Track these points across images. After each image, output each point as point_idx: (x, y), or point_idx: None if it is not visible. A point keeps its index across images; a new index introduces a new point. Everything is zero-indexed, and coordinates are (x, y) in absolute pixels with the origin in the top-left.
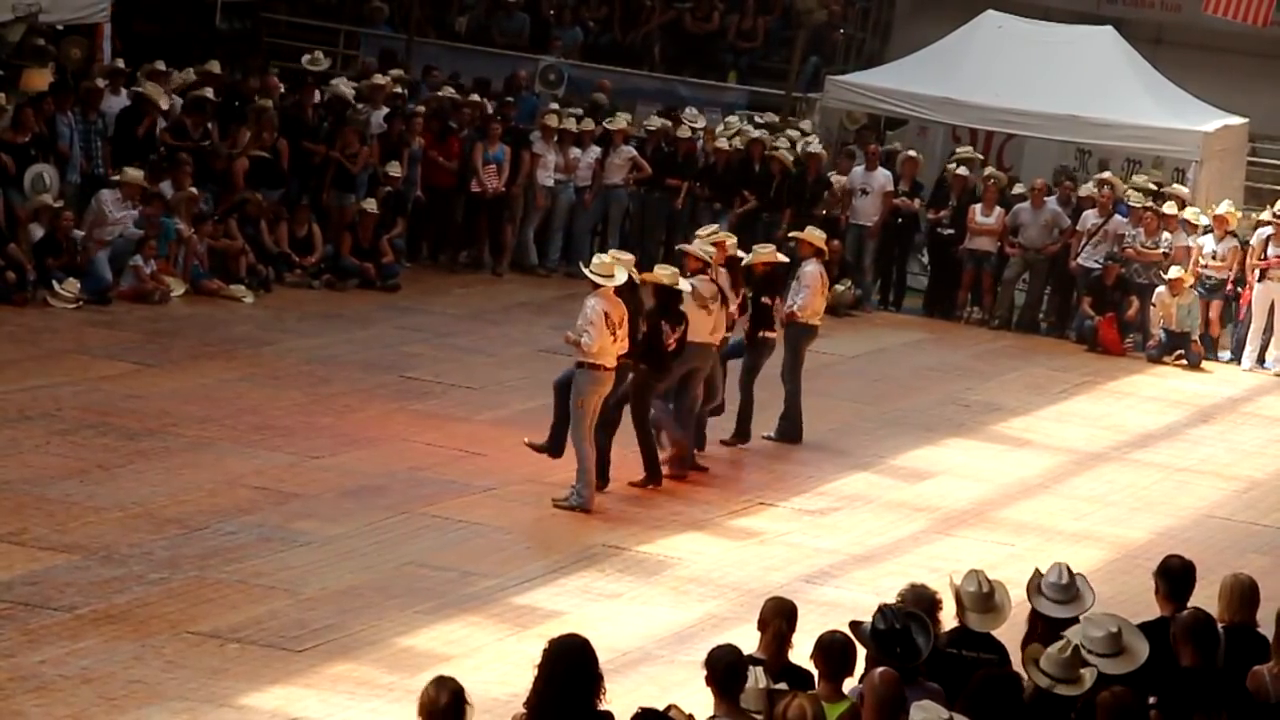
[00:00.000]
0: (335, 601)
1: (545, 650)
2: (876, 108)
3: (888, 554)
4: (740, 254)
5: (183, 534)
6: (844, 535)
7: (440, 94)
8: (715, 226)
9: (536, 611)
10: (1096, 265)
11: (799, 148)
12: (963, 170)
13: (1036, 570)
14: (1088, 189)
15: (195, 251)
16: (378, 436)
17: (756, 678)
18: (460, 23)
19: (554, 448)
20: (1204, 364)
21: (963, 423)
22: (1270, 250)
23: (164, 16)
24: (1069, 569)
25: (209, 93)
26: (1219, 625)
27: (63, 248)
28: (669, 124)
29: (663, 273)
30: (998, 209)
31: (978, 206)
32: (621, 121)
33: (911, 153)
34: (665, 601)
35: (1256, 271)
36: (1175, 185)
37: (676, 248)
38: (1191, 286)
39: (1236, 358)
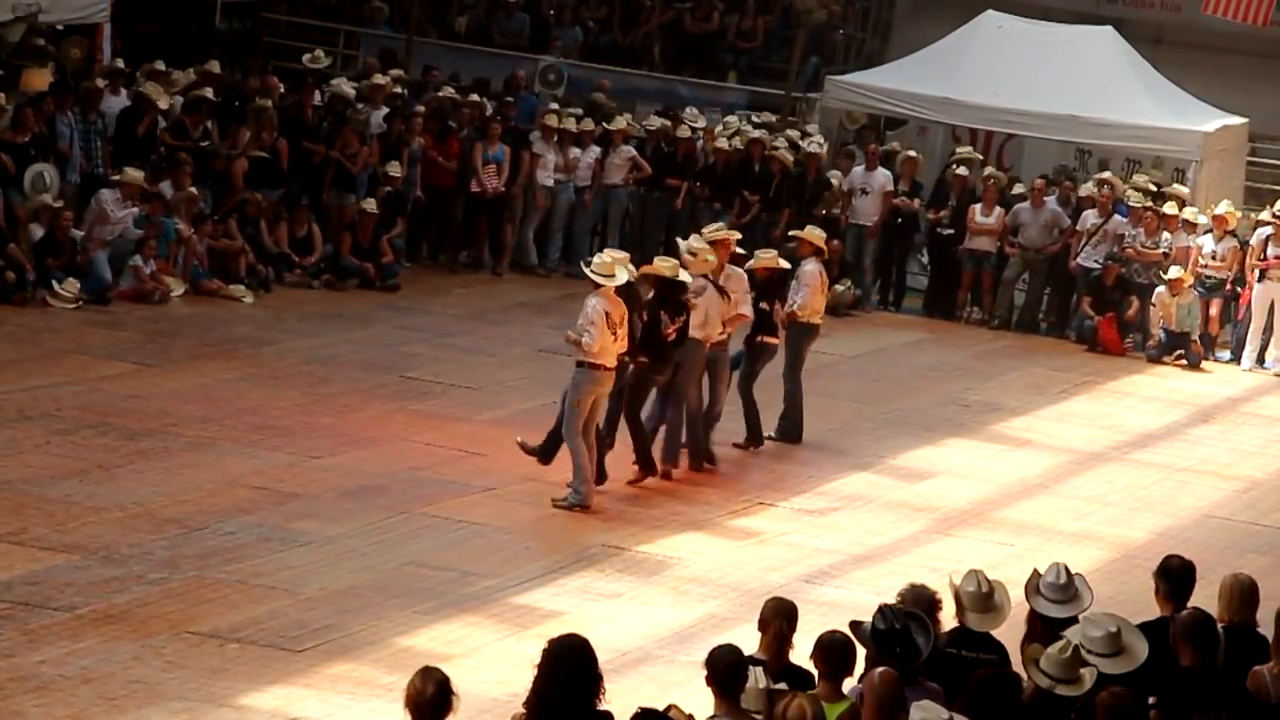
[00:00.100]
0: (335, 601)
1: (545, 650)
2: (876, 108)
3: (888, 554)
4: (739, 250)
5: (182, 534)
6: (844, 535)
7: (440, 94)
8: (719, 225)
9: (536, 611)
10: (1096, 265)
11: (805, 145)
12: (962, 170)
13: (1035, 570)
14: (1088, 189)
15: (195, 251)
16: (378, 436)
17: (757, 678)
18: (460, 23)
19: (545, 454)
20: (1204, 364)
21: (963, 423)
22: (1270, 250)
23: (164, 16)
24: (1067, 569)
25: (209, 93)
26: (1219, 625)
27: (63, 248)
28: (669, 124)
29: (663, 264)
30: (997, 209)
31: (977, 206)
32: (621, 122)
33: (911, 153)
34: (665, 601)
35: (1256, 271)
36: (1175, 185)
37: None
38: (1191, 286)
39: (1236, 358)
